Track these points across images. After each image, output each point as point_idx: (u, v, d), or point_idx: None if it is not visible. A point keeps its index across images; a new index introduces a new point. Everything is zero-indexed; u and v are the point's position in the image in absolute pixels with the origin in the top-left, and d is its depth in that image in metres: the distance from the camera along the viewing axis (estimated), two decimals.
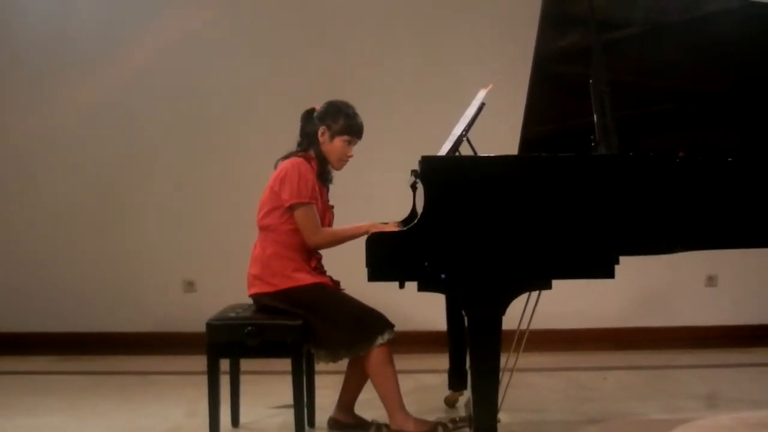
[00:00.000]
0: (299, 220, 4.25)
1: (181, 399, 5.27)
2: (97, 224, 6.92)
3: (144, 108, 6.88)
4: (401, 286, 4.00)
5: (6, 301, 6.89)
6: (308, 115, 4.47)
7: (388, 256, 3.78)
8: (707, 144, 4.42)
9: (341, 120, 4.38)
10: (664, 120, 4.53)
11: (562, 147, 4.14)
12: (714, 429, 4.53)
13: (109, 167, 6.91)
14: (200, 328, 4.25)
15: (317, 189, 4.34)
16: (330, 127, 4.38)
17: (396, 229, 4.08)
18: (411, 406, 4.37)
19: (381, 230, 3.97)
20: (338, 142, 4.38)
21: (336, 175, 4.57)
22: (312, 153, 4.41)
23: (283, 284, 4.26)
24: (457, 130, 4.28)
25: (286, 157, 4.39)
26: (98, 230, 6.92)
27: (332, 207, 4.53)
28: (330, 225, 4.48)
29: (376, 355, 4.17)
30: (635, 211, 3.81)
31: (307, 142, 4.43)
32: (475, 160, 4.11)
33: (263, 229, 4.35)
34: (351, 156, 4.44)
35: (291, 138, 4.51)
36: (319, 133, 4.39)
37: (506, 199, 3.75)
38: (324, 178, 4.45)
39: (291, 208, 4.25)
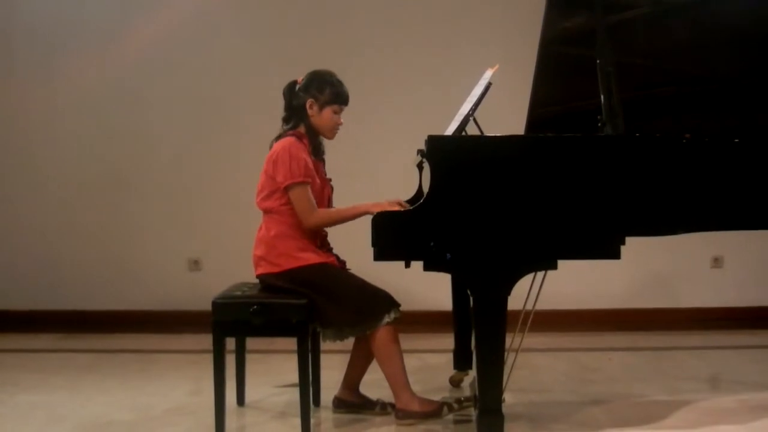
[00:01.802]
0: (294, 201, 4.22)
1: (186, 378, 5.29)
2: (102, 203, 6.92)
3: (148, 87, 6.87)
4: (407, 265, 4.02)
5: (11, 280, 6.91)
6: (291, 88, 4.42)
7: (394, 235, 3.78)
8: (713, 127, 4.40)
9: (327, 90, 4.34)
10: (670, 102, 4.52)
11: (569, 128, 4.14)
12: (716, 411, 4.54)
13: (115, 146, 6.91)
14: (206, 306, 4.25)
15: (312, 166, 4.31)
16: (317, 99, 4.34)
17: (397, 206, 4.07)
18: (416, 385, 4.39)
19: (381, 210, 3.94)
20: (327, 112, 4.35)
21: (342, 153, 4.57)
22: (302, 129, 4.38)
23: (289, 264, 4.26)
24: (464, 109, 4.27)
25: (279, 137, 4.38)
26: (103, 209, 6.92)
27: (330, 180, 4.52)
28: (329, 198, 4.48)
29: (381, 335, 4.17)
30: (642, 192, 3.81)
31: (296, 117, 4.39)
32: (482, 140, 4.09)
33: (266, 211, 4.34)
34: (341, 123, 4.42)
35: None
36: (307, 106, 4.34)
37: (513, 179, 3.75)
38: (318, 151, 4.44)
39: (286, 189, 4.24)
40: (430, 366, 5.46)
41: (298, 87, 4.39)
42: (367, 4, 6.79)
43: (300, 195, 4.21)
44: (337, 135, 4.43)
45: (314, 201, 4.24)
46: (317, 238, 4.36)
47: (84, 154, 6.92)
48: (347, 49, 6.61)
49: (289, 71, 4.47)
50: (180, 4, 6.85)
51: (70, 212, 6.94)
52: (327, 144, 4.49)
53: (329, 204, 4.46)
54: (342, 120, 4.40)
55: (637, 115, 4.22)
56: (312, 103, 4.34)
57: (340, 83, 4.38)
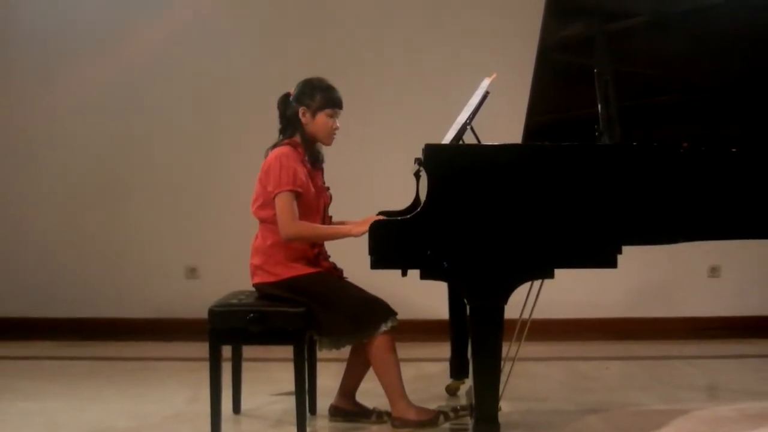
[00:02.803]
0: (277, 209, 4.19)
1: (183, 385, 5.29)
2: (99, 211, 6.92)
3: (147, 94, 6.88)
4: (404, 274, 4.02)
5: (9, 287, 6.90)
6: (285, 99, 4.41)
7: (391, 244, 3.79)
8: (711, 135, 4.40)
9: (318, 95, 4.32)
10: (667, 111, 4.53)
11: (566, 136, 4.14)
12: (714, 420, 4.53)
13: (113, 153, 6.91)
14: (202, 314, 4.24)
15: (305, 175, 4.28)
16: (309, 106, 4.32)
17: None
18: (413, 394, 4.38)
19: (362, 232, 3.95)
20: (321, 117, 4.33)
21: (340, 161, 4.56)
22: (298, 138, 4.37)
23: (286, 274, 4.25)
24: (461, 118, 4.27)
25: (274, 146, 4.37)
26: (101, 216, 6.92)
27: (328, 189, 4.50)
28: (326, 207, 4.47)
29: (378, 343, 4.17)
30: (638, 201, 3.81)
31: (291, 127, 4.39)
32: (479, 149, 4.10)
33: (262, 221, 4.34)
34: (338, 128, 4.39)
35: None
36: (300, 114, 4.33)
37: (509, 188, 3.75)
38: (315, 159, 4.41)
39: (274, 198, 4.22)
40: (426, 375, 5.46)
41: (291, 98, 4.39)
42: (366, 12, 6.81)
43: (283, 203, 4.18)
44: (334, 143, 4.42)
45: (297, 212, 4.20)
46: (315, 248, 4.36)
47: (82, 161, 6.92)
48: (345, 56, 6.63)
49: (288, 79, 4.47)
50: (179, 8, 6.85)
51: (68, 219, 6.93)
52: (325, 152, 4.48)
53: (325, 212, 4.46)
54: (338, 124, 4.39)
55: (635, 124, 4.22)
56: (304, 110, 4.33)
57: (330, 88, 4.37)
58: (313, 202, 4.32)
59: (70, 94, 6.89)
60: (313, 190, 4.32)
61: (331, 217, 4.52)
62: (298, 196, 4.21)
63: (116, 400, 5.04)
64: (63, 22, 6.89)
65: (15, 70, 6.93)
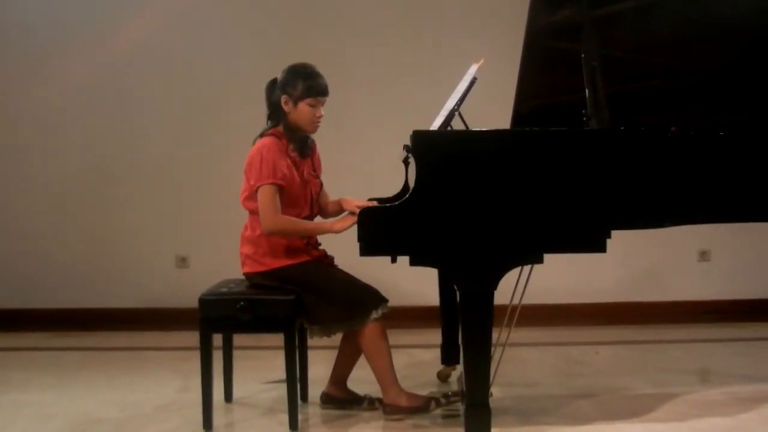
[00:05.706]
0: (258, 201, 4.17)
1: (174, 374, 5.29)
2: (89, 200, 6.90)
3: (135, 85, 6.84)
4: (393, 260, 4.01)
5: None
6: (272, 86, 4.38)
7: (380, 230, 3.79)
8: (699, 120, 4.41)
9: (300, 84, 4.26)
10: (656, 96, 4.54)
11: (554, 122, 4.15)
12: (705, 403, 4.55)
13: (102, 143, 6.88)
14: (193, 303, 4.25)
15: (287, 167, 4.25)
16: (291, 95, 4.27)
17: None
18: (404, 381, 4.39)
19: (343, 229, 4.01)
20: (303, 106, 4.27)
21: (329, 149, 4.55)
22: (281, 128, 4.34)
23: (275, 263, 4.26)
24: (449, 104, 4.27)
25: (260, 135, 4.34)
26: (91, 206, 6.90)
27: (317, 177, 4.49)
28: (316, 195, 4.45)
29: (369, 330, 4.17)
30: (627, 185, 3.82)
31: (276, 114, 4.35)
32: (467, 135, 4.10)
33: (250, 211, 4.32)
34: (321, 116, 4.33)
35: None
36: (282, 102, 4.29)
37: (498, 174, 3.76)
38: (301, 147, 4.38)
39: (256, 192, 4.21)
40: (417, 361, 5.47)
41: (277, 84, 4.37)
42: (355, 1, 6.79)
43: (263, 197, 4.16)
44: (324, 131, 4.39)
45: (279, 205, 4.18)
46: (303, 237, 4.35)
47: (72, 152, 6.89)
48: (335, 46, 6.60)
49: (277, 69, 4.46)
50: (170, 2, 6.82)
51: (58, 210, 6.91)
52: (313, 139, 4.47)
53: (313, 201, 4.44)
54: (323, 112, 4.33)
55: (624, 109, 4.22)
56: (287, 99, 4.28)
57: (313, 75, 4.30)
58: (299, 193, 4.31)
59: (59, 85, 6.85)
60: (298, 180, 4.30)
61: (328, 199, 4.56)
62: (280, 188, 4.20)
63: (107, 391, 5.03)
64: (54, 16, 6.84)
65: (6, 63, 6.89)
